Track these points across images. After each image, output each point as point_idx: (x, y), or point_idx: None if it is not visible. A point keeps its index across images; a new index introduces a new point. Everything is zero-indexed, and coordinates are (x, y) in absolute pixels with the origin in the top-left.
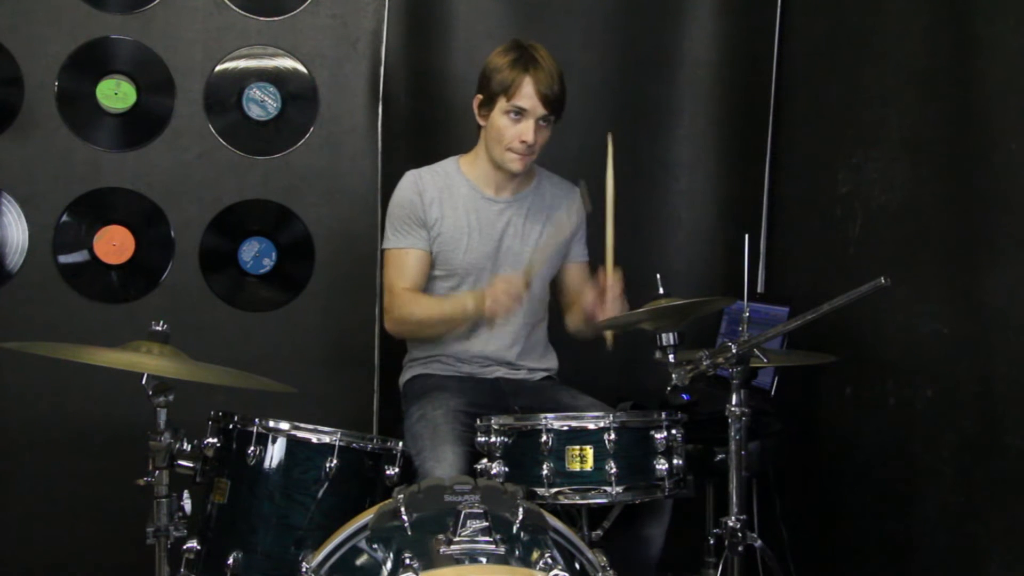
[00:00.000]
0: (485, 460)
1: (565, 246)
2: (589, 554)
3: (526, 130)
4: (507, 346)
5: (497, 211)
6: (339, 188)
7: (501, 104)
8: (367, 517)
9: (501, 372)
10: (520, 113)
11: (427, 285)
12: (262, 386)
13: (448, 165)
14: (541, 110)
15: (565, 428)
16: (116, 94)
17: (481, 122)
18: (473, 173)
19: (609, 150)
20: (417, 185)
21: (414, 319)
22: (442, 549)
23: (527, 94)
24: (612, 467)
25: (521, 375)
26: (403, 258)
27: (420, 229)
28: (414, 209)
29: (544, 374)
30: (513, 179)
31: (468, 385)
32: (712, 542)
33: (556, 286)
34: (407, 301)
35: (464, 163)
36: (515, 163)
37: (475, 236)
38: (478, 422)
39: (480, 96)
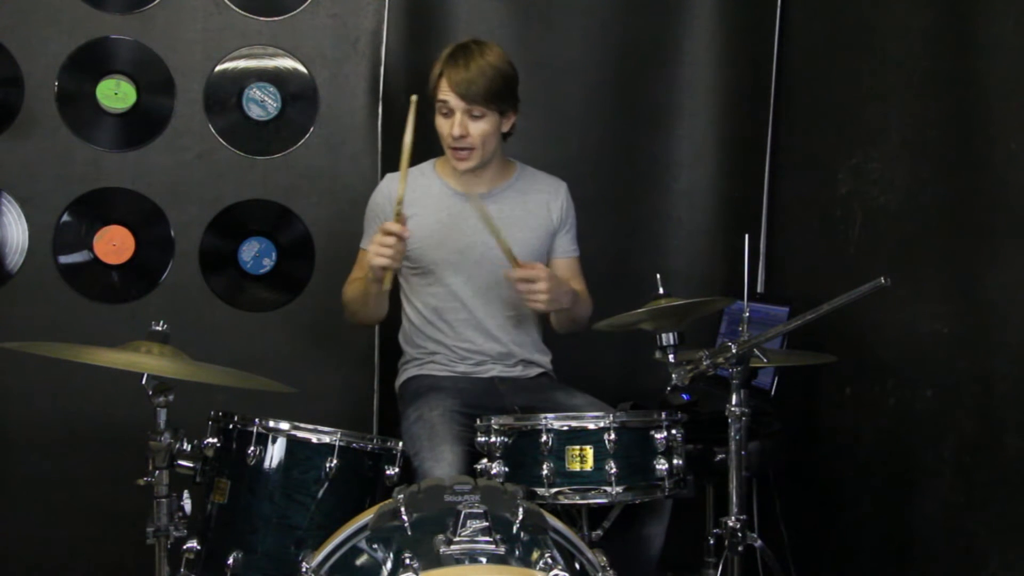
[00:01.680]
0: (485, 460)
1: (548, 238)
2: (589, 554)
3: (454, 124)
4: (494, 337)
5: (469, 207)
6: (339, 188)
7: (436, 105)
8: (367, 517)
9: (496, 371)
10: (446, 108)
11: (402, 279)
12: (262, 386)
13: (425, 167)
14: (460, 103)
15: (565, 428)
16: (116, 94)
17: None
18: (446, 172)
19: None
20: (388, 187)
21: (347, 297)
22: (442, 549)
23: (444, 88)
24: (612, 467)
25: (516, 372)
26: (363, 258)
27: None
28: (378, 212)
29: (539, 371)
30: (483, 175)
31: (464, 385)
32: (712, 542)
33: None
34: (346, 286)
35: (439, 164)
36: (456, 161)
37: (445, 232)
38: (478, 422)
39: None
